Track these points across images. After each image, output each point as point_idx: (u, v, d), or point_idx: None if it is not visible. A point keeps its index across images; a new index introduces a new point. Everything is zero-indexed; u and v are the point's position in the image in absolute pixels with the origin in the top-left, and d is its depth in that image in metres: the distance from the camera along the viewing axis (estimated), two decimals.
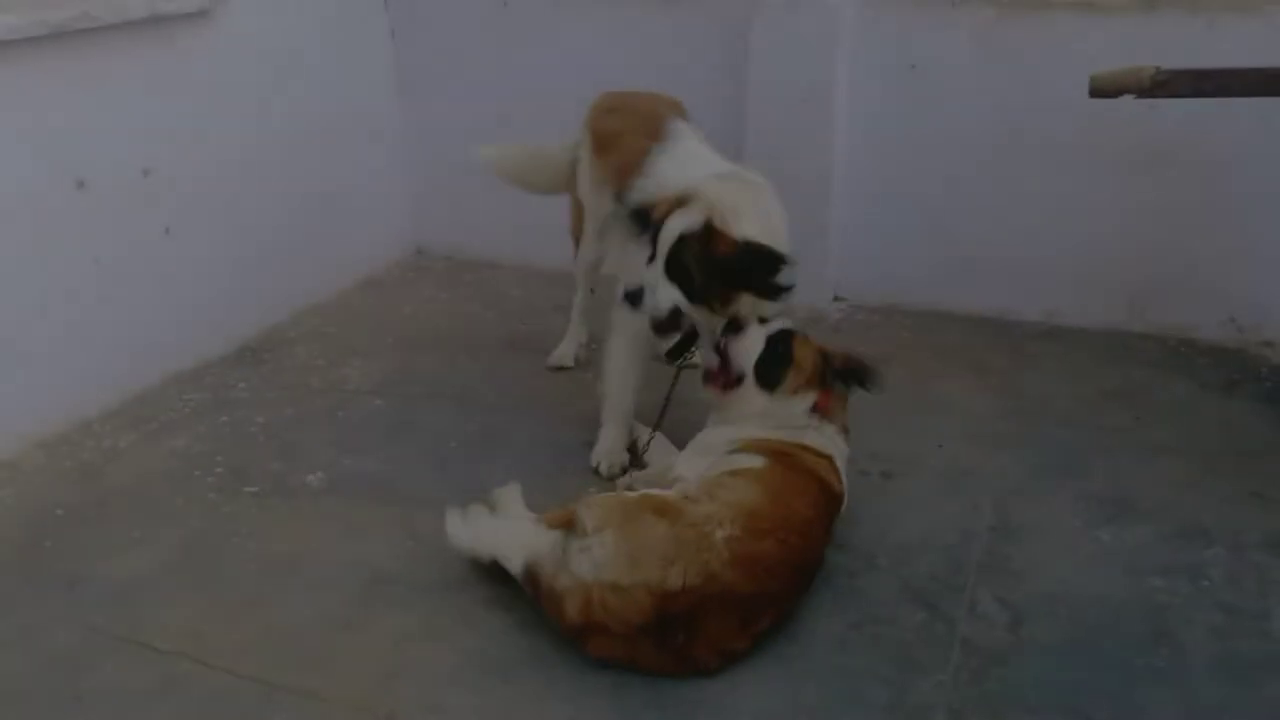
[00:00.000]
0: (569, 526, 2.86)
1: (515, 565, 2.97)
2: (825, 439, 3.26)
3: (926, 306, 4.96)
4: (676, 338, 3.55)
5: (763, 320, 3.36)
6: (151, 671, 2.83)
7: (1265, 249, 4.42)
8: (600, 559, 2.74)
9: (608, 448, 3.76)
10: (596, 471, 3.71)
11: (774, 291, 3.25)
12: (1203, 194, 4.51)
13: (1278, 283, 4.42)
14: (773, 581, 2.83)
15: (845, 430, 3.36)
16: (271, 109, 4.83)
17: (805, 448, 3.20)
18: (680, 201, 3.26)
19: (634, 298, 3.34)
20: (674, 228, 3.23)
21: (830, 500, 3.15)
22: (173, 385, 4.39)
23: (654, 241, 3.29)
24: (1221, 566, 3.19)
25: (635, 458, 3.74)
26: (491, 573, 3.09)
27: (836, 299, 5.08)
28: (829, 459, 3.23)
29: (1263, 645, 2.87)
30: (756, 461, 3.08)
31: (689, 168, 3.47)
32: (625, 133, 3.80)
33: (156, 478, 3.74)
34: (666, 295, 3.27)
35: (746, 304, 3.34)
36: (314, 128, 5.07)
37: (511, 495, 3.30)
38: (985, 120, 4.71)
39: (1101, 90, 3.12)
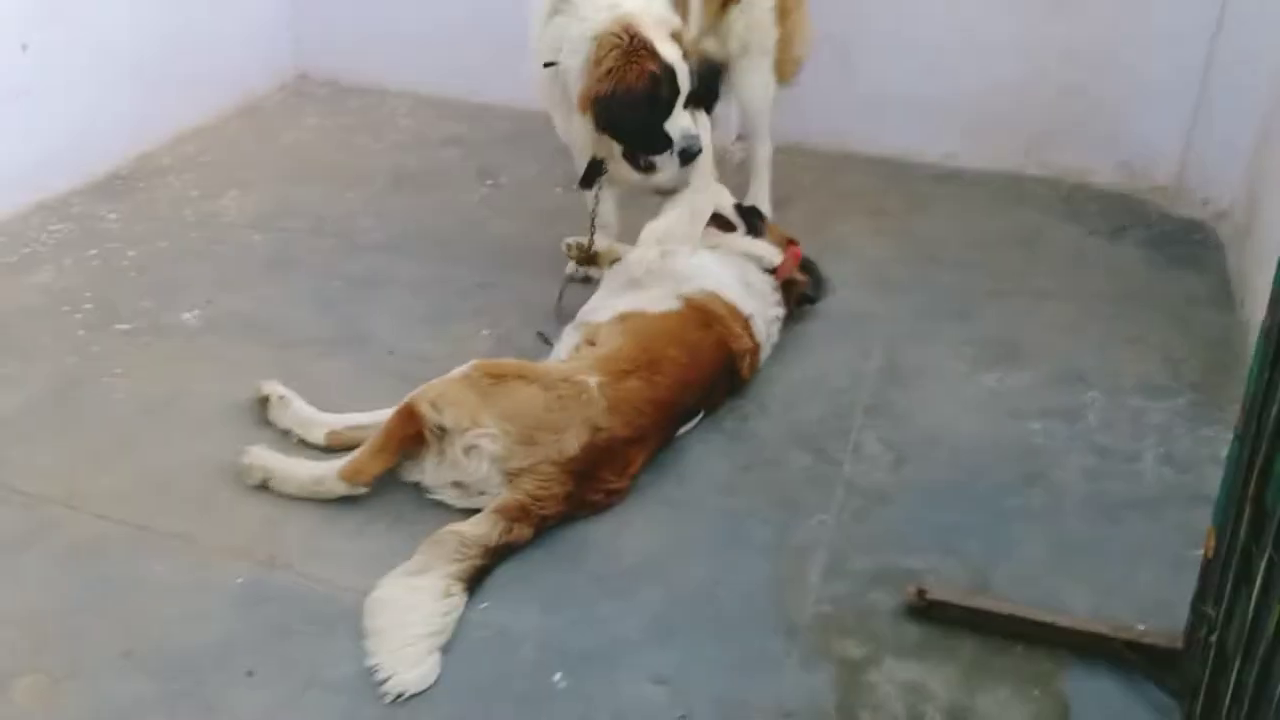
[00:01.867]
0: (412, 438, 2.76)
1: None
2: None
3: (831, 147, 4.89)
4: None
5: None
6: (17, 517, 2.73)
7: (1160, 92, 4.42)
8: (496, 451, 2.68)
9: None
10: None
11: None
12: (1105, 33, 4.46)
13: (1171, 128, 4.44)
14: (642, 419, 2.83)
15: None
16: None
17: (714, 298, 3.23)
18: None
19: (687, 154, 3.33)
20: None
21: (724, 353, 3.17)
22: (35, 215, 4.15)
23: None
24: (1098, 410, 3.27)
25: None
26: None
27: (739, 138, 4.96)
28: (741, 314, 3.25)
29: (1131, 486, 2.97)
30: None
31: None
32: None
33: (20, 314, 3.55)
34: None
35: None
36: None
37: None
38: None
39: None
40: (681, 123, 3.30)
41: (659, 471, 2.95)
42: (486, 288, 3.80)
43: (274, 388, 3.07)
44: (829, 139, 4.90)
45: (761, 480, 2.96)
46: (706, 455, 3.04)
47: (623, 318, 3.10)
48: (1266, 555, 1.75)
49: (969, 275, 3.98)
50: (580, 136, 3.40)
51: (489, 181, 4.55)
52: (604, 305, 3.26)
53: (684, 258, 3.38)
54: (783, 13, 3.90)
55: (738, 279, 3.40)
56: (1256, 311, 3.57)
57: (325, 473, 2.79)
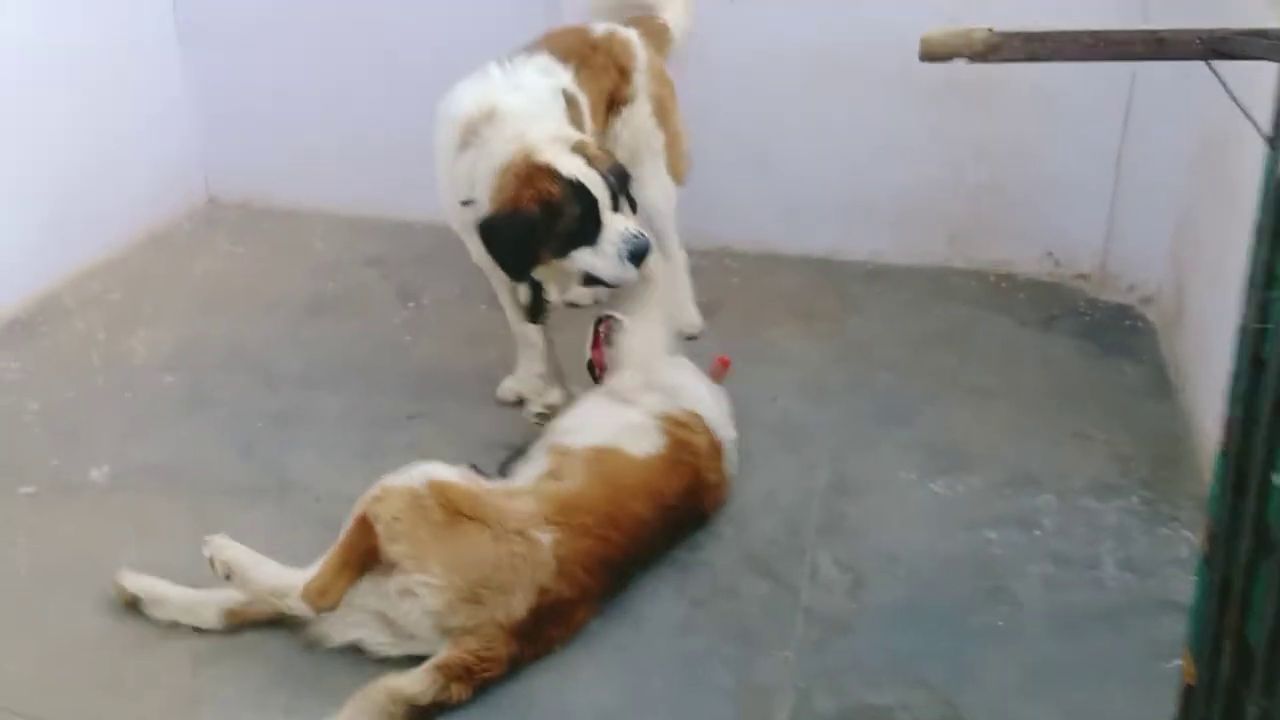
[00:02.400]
0: (373, 551, 2.58)
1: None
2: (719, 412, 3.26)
3: (755, 249, 4.84)
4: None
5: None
6: None
7: (1079, 182, 4.45)
8: (435, 606, 2.52)
9: (522, 375, 3.64)
10: (518, 404, 3.65)
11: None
12: (1021, 126, 4.50)
13: (1091, 216, 4.46)
14: (590, 581, 2.69)
15: None
16: (35, 46, 4.30)
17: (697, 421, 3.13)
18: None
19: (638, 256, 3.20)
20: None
21: (695, 499, 3.05)
22: None
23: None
24: (1052, 514, 3.20)
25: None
26: None
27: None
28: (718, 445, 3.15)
29: (1094, 595, 2.89)
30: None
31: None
32: None
33: None
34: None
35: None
36: (83, 69, 4.55)
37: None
38: (806, 49, 4.57)
39: (933, 54, 2.99)
40: (617, 226, 3.17)
41: (607, 614, 2.79)
42: (416, 418, 3.64)
43: (138, 582, 2.80)
44: (753, 241, 4.86)
45: (717, 615, 2.82)
46: (658, 591, 2.89)
47: (597, 455, 2.91)
48: (1257, 706, 1.65)
49: (906, 377, 3.93)
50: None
51: (410, 303, 4.42)
52: (581, 425, 3.08)
53: (668, 370, 3.30)
54: (662, 115, 3.90)
55: (711, 394, 3.31)
56: (1196, 399, 3.58)
57: (289, 586, 2.60)
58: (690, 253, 4.78)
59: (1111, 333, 4.24)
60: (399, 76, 4.87)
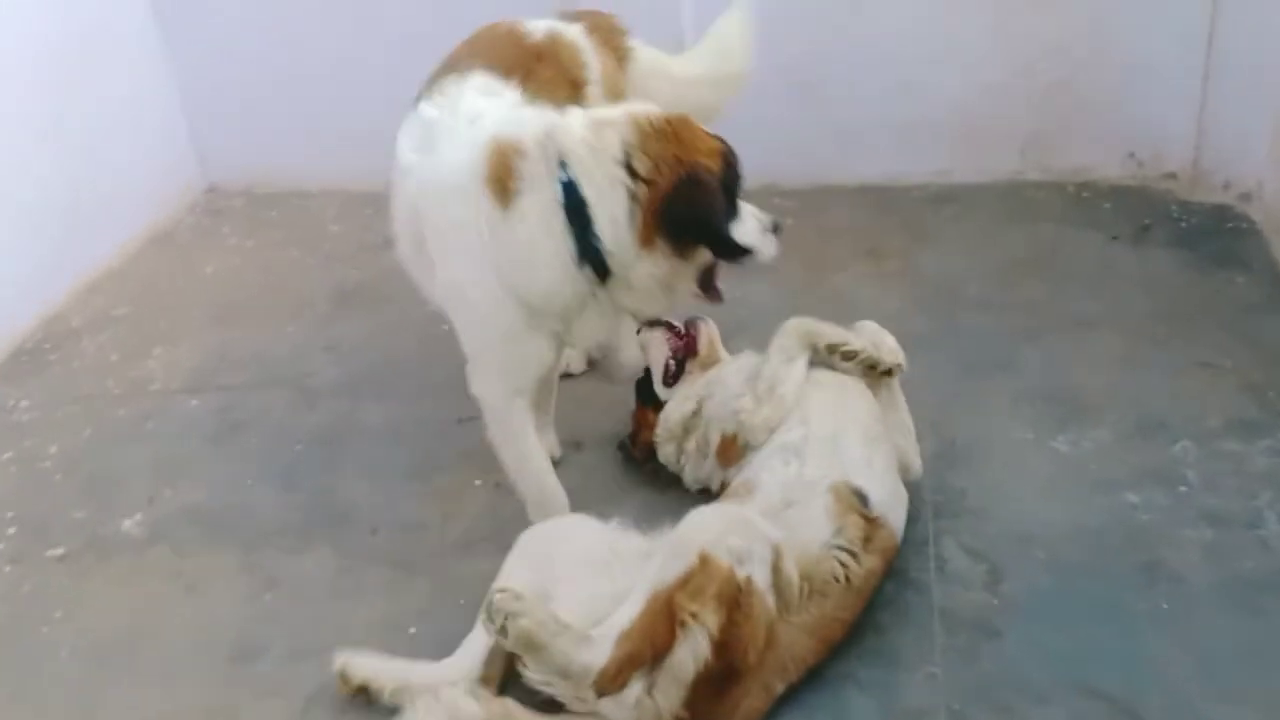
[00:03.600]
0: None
1: None
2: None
3: (806, 182, 4.44)
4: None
5: None
6: None
7: (1164, 71, 4.03)
8: None
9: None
10: None
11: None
12: (1095, 14, 4.08)
13: (1178, 108, 4.06)
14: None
15: None
16: (3, 51, 3.91)
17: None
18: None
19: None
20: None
21: None
22: None
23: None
24: (1193, 464, 2.86)
25: None
26: (386, 627, 2.54)
27: None
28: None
29: (1262, 560, 2.56)
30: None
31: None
32: None
33: None
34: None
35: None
36: (58, 69, 4.14)
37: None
38: None
39: None
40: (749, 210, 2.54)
41: None
42: (467, 423, 3.28)
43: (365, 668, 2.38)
44: (802, 173, 4.45)
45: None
46: None
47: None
48: None
49: (997, 315, 3.56)
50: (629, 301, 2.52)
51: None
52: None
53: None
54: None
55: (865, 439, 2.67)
56: None
57: (583, 669, 2.10)
58: None
59: (1213, 239, 3.85)
60: (399, 33, 4.43)
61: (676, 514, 2.33)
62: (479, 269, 2.41)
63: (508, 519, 2.81)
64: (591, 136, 2.34)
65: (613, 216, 2.33)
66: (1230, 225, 3.92)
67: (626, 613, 2.15)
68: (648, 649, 2.08)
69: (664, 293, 2.48)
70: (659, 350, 3.03)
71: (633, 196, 2.32)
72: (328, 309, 3.98)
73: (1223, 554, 2.58)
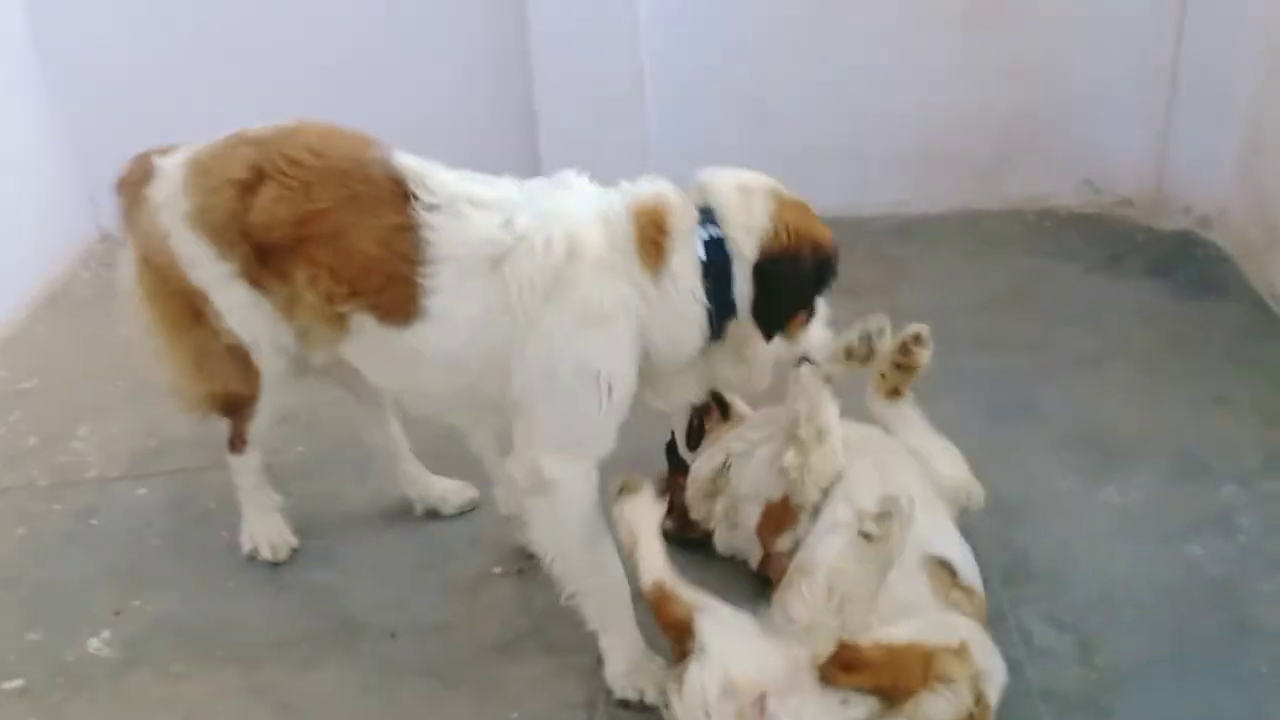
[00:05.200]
0: None
1: None
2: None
3: None
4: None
5: None
6: None
7: (1124, 99, 4.04)
8: None
9: (627, 663, 2.37)
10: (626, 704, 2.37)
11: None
12: (1043, 46, 4.05)
13: (1136, 135, 4.07)
14: None
15: None
16: None
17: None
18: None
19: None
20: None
21: None
22: None
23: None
24: (1245, 510, 2.82)
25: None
26: None
27: None
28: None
29: None
30: None
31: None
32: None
33: None
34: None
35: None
36: None
37: None
38: None
39: None
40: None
41: None
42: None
43: None
44: None
45: None
46: None
47: None
48: None
49: (1000, 355, 3.47)
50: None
51: None
52: None
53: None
54: None
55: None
56: None
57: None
58: None
59: (1185, 266, 3.88)
60: (298, 74, 4.08)
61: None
62: (623, 341, 2.20)
63: (543, 612, 2.55)
64: (739, 196, 2.25)
65: (747, 276, 2.22)
66: (1198, 251, 3.95)
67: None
68: (888, 674, 1.89)
69: (767, 367, 2.35)
70: (680, 413, 2.82)
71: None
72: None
73: None
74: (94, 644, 2.61)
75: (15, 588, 2.78)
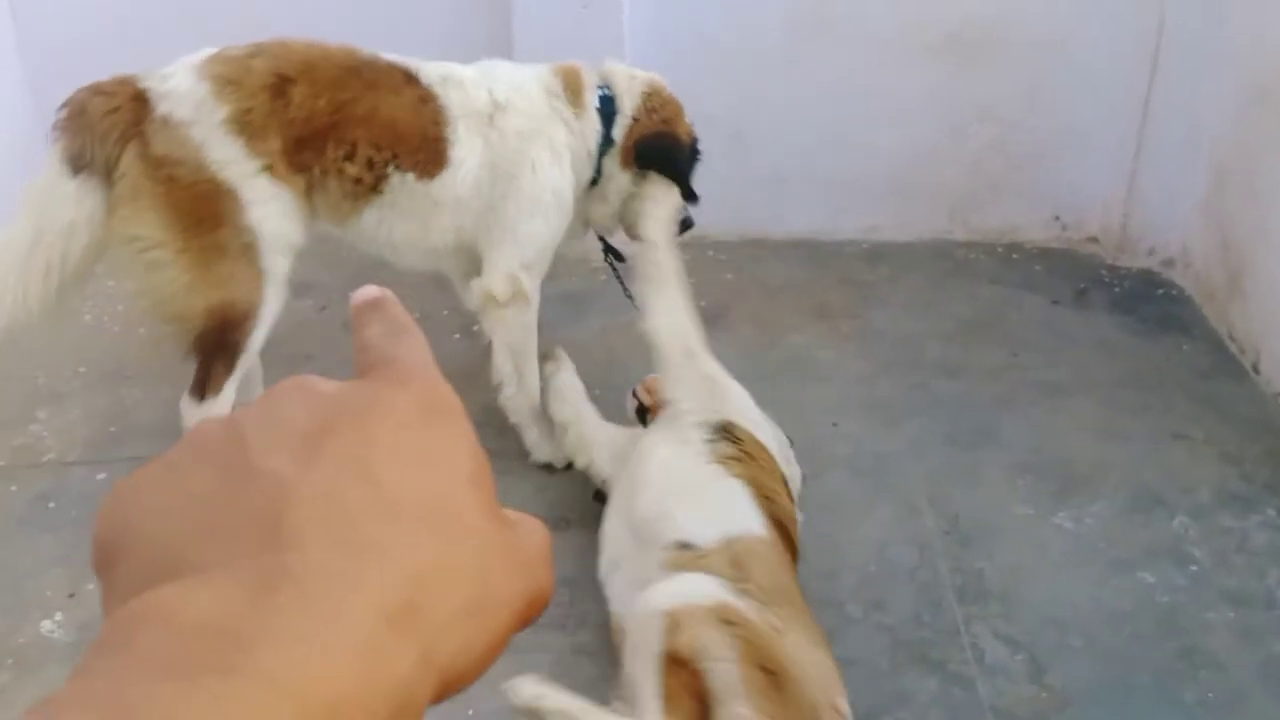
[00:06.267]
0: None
1: None
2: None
3: (738, 235, 4.32)
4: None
5: None
6: None
7: (1091, 139, 4.11)
8: None
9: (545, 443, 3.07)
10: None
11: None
12: (1020, 81, 4.11)
13: (1104, 173, 4.13)
14: None
15: None
16: None
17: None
18: None
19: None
20: None
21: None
22: None
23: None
24: (1196, 542, 2.86)
25: None
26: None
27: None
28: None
29: None
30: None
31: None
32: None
33: None
34: None
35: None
36: None
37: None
38: (783, 8, 4.06)
39: None
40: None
41: None
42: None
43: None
44: (734, 227, 4.30)
45: None
46: None
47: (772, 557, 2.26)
48: None
49: (965, 381, 3.52)
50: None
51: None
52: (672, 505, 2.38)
53: (725, 380, 2.74)
54: None
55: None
56: (1276, 379, 3.33)
57: None
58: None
59: (1149, 304, 3.94)
60: None
61: None
62: (569, 170, 2.91)
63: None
64: (627, 75, 3.02)
65: (621, 130, 2.95)
66: (1160, 291, 4.02)
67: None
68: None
69: (616, 213, 3.05)
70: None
71: (633, 122, 2.96)
72: None
73: (1253, 636, 2.58)
74: (46, 626, 2.59)
75: None
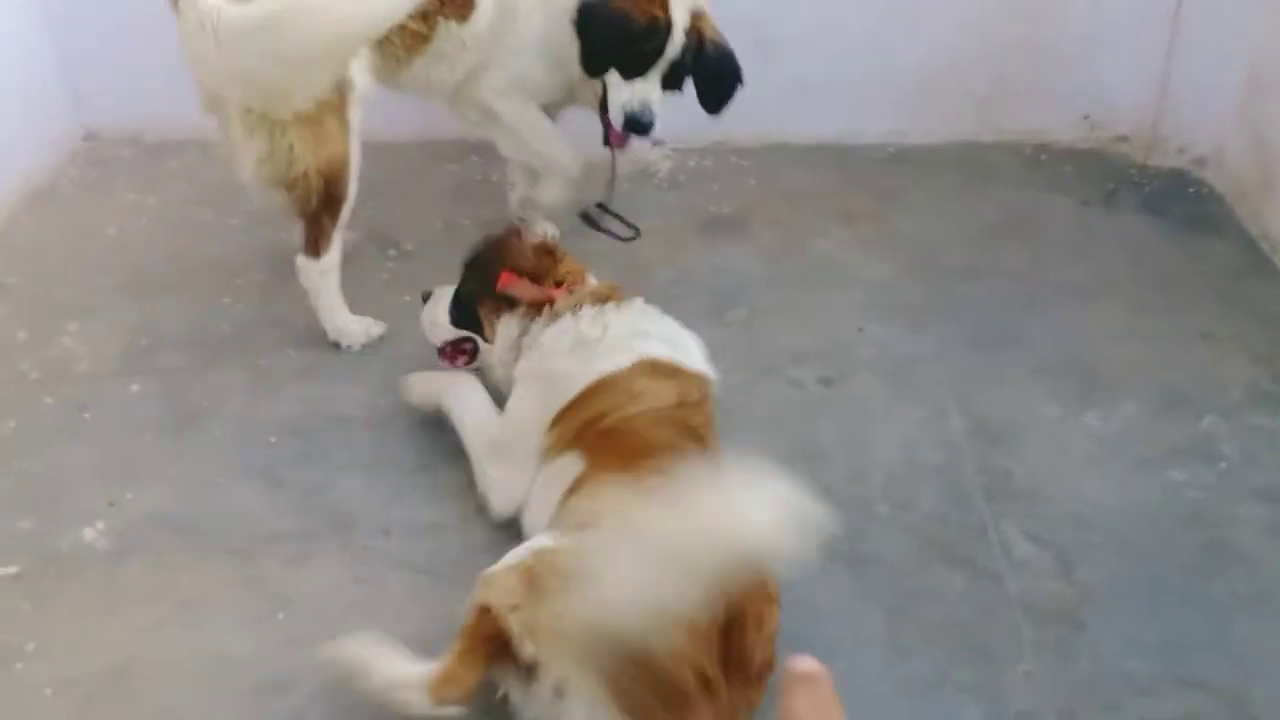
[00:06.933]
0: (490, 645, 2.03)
1: None
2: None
3: (761, 140, 4.26)
4: None
5: None
6: None
7: (1121, 37, 4.01)
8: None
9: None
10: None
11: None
12: None
13: (1134, 71, 4.05)
14: None
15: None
16: None
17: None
18: None
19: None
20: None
21: None
22: None
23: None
24: (1226, 440, 2.88)
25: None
26: (423, 642, 2.25)
27: (656, 143, 4.26)
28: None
29: None
30: None
31: None
32: None
33: None
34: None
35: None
36: None
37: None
38: None
39: None
40: (652, 86, 3.17)
41: (793, 643, 2.29)
42: None
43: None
44: (757, 132, 4.26)
45: (926, 626, 2.39)
46: (842, 602, 2.43)
47: None
48: None
49: (990, 283, 3.50)
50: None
51: (391, 251, 3.70)
52: None
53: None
54: None
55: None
56: None
57: (411, 681, 2.05)
58: (690, 151, 4.26)
59: (1180, 204, 3.89)
60: None
61: None
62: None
63: None
64: None
65: None
66: (1191, 190, 3.96)
67: None
68: (469, 641, 2.06)
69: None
70: None
71: None
72: (266, 278, 3.54)
73: None
74: (88, 534, 2.63)
75: (6, 478, 2.79)
